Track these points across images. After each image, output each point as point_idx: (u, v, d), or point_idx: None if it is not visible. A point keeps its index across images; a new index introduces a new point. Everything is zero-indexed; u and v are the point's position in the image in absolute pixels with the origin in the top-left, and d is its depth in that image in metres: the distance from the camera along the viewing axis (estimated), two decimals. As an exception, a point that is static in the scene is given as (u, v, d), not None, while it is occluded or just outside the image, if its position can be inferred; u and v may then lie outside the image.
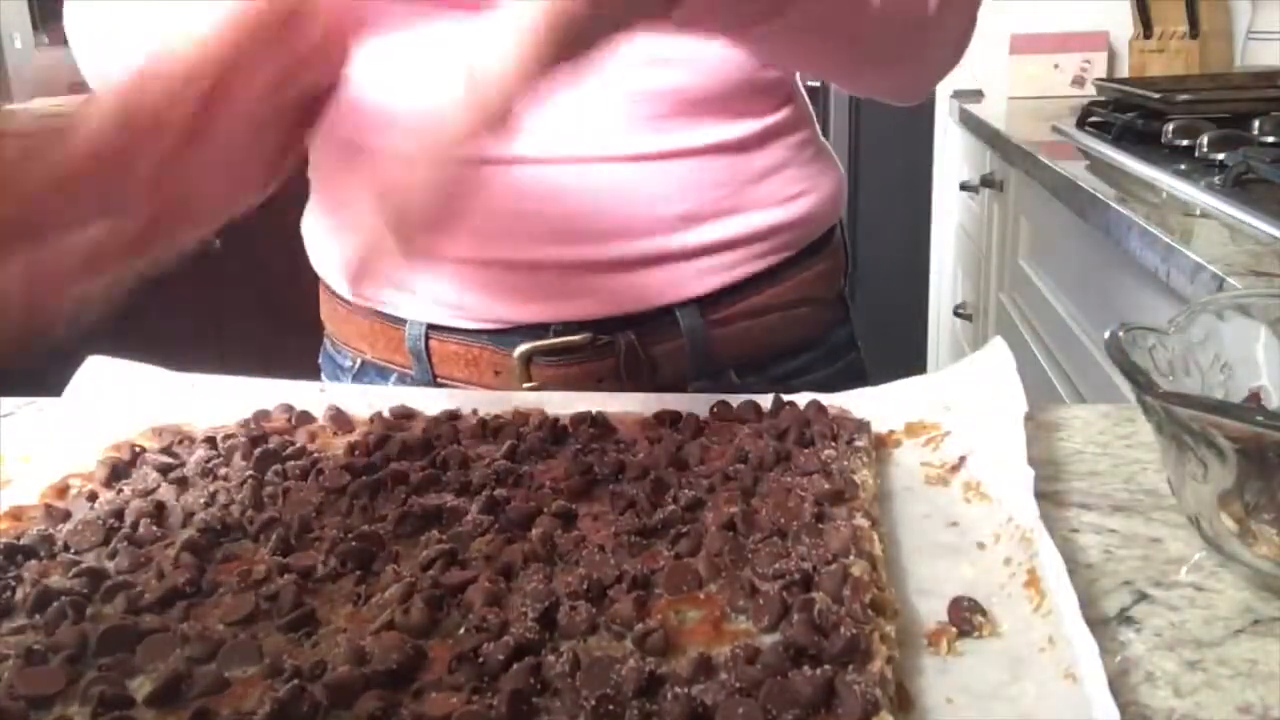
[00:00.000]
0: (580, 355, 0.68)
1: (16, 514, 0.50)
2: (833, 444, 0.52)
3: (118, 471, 0.54)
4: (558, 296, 0.68)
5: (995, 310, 1.94)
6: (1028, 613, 0.40)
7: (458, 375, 0.71)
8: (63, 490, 0.53)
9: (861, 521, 0.44)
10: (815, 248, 0.74)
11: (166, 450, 0.56)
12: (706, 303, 0.70)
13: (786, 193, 0.71)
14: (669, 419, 0.57)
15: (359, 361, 0.76)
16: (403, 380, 0.73)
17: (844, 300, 0.79)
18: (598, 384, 0.68)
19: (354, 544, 0.45)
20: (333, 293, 0.78)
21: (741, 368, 0.72)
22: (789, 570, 0.40)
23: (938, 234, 2.55)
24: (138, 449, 0.56)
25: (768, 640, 0.37)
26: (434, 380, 0.72)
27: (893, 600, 0.40)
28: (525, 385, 0.69)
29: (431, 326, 0.71)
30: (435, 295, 0.70)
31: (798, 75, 0.75)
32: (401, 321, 0.72)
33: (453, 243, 0.67)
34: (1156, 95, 1.46)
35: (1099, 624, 0.40)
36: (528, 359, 0.68)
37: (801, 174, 0.73)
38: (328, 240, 0.77)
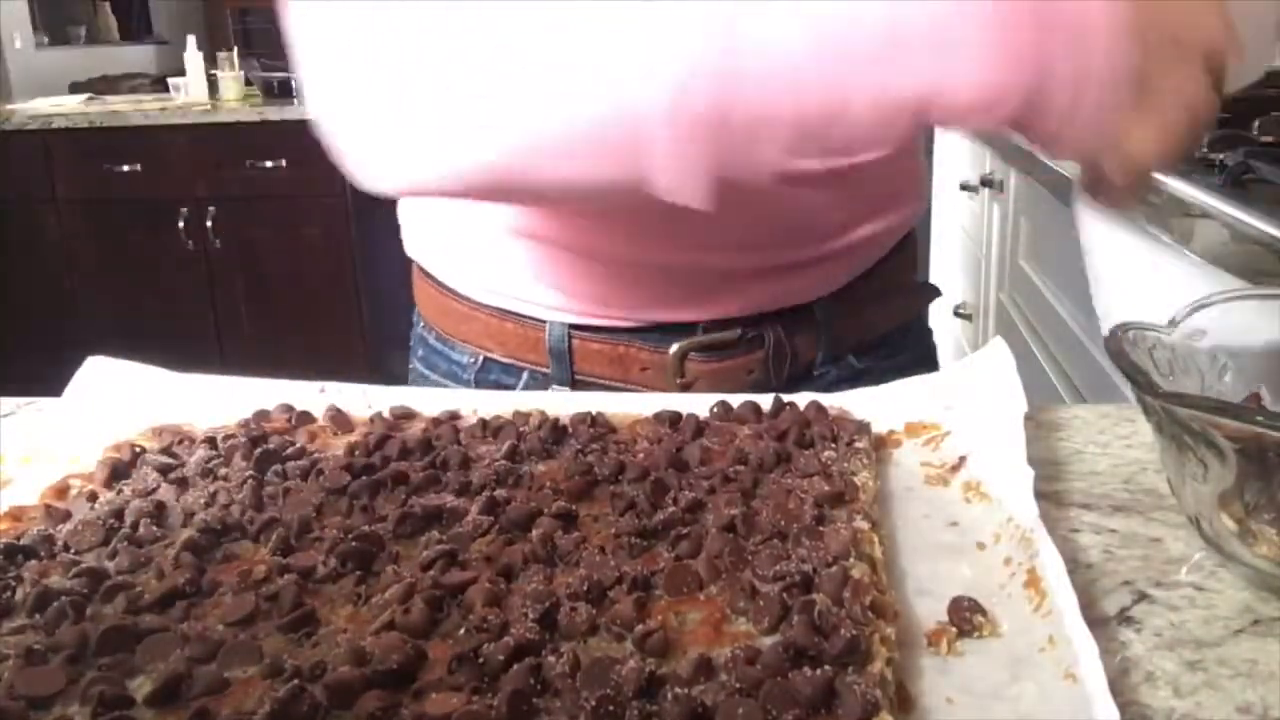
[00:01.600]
0: (731, 351, 0.70)
1: (16, 514, 0.50)
2: (833, 445, 0.52)
3: (118, 472, 0.54)
4: (711, 300, 0.69)
5: (995, 310, 1.94)
6: (1028, 613, 0.40)
7: (600, 373, 0.71)
8: (63, 490, 0.53)
9: (862, 524, 0.44)
10: (905, 240, 0.79)
11: (166, 450, 0.56)
12: (839, 293, 0.73)
13: (909, 188, 0.76)
14: (669, 419, 0.57)
15: (480, 358, 0.75)
16: (535, 378, 0.73)
17: (925, 285, 0.83)
18: (747, 376, 0.71)
19: (354, 544, 0.45)
20: (447, 290, 0.75)
21: (859, 350, 0.75)
22: (789, 572, 0.40)
23: (938, 234, 2.54)
24: (138, 449, 0.56)
25: (768, 642, 0.37)
26: (572, 378, 0.72)
27: (893, 603, 0.40)
28: (678, 380, 0.70)
29: (573, 327, 0.71)
30: (585, 292, 0.69)
31: None
32: (540, 322, 0.71)
33: (612, 241, 0.67)
34: (1156, 95, 1.45)
35: (1099, 624, 0.40)
36: (683, 356, 0.69)
37: (914, 166, 0.78)
38: (445, 230, 0.75)
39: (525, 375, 0.73)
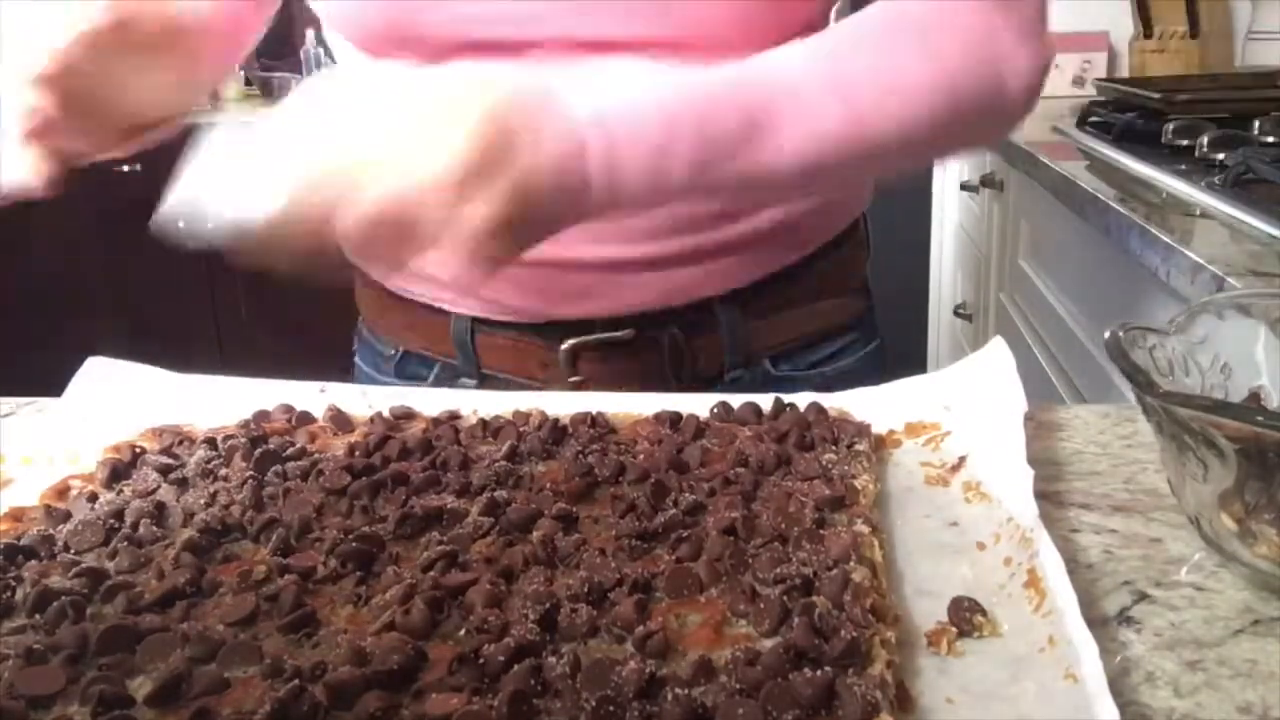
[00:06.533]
0: (626, 350, 0.69)
1: (17, 514, 0.50)
2: (833, 448, 0.52)
3: (118, 472, 0.54)
4: (600, 294, 0.68)
5: (995, 310, 1.94)
6: (1028, 613, 0.40)
7: (503, 366, 0.72)
8: (63, 491, 0.53)
9: (862, 528, 0.44)
10: (843, 237, 0.76)
11: (166, 451, 0.56)
12: (745, 295, 0.71)
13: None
14: (669, 420, 0.57)
15: (401, 350, 0.76)
16: (446, 369, 0.74)
17: (868, 289, 0.80)
18: (642, 377, 0.70)
19: (354, 545, 0.45)
20: (373, 281, 0.77)
21: (777, 357, 0.74)
22: (790, 575, 0.40)
23: (938, 234, 2.54)
24: (138, 450, 0.56)
25: (768, 644, 0.37)
26: (479, 370, 0.72)
27: (893, 606, 0.40)
28: (571, 379, 0.69)
29: (476, 320, 0.71)
30: (479, 295, 0.70)
31: None
32: (446, 314, 0.72)
33: None
34: (1156, 95, 1.45)
35: (1099, 624, 0.40)
36: (574, 354, 0.69)
37: None
38: None
39: (437, 367, 0.74)
